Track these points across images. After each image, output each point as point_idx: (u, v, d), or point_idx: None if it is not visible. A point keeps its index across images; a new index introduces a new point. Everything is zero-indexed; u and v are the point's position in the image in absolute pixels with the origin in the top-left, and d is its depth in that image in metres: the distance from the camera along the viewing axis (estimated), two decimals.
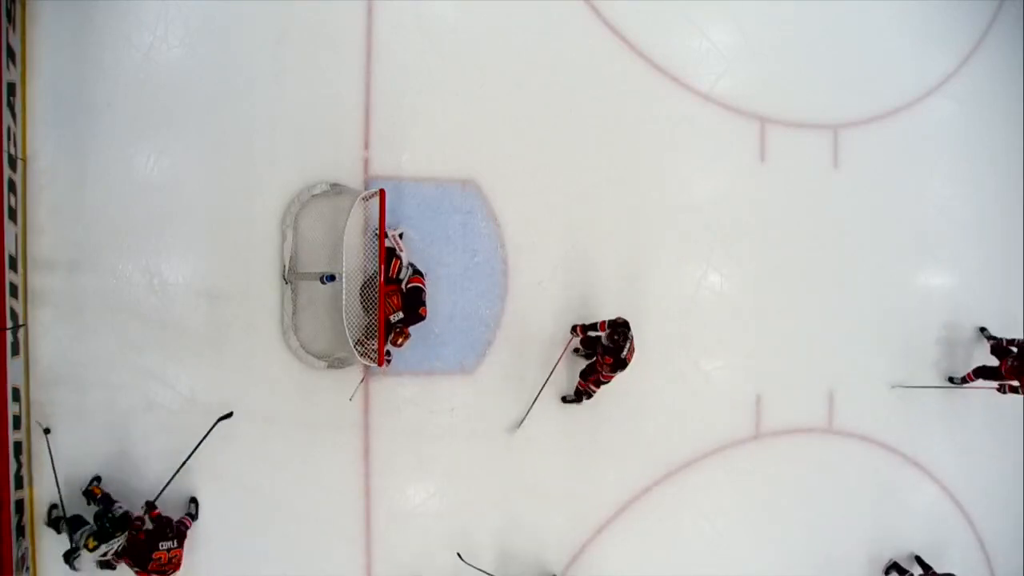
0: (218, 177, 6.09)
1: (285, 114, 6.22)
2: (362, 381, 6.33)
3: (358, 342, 5.96)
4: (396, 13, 6.44)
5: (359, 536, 6.47)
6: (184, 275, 6.06)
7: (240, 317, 6.17)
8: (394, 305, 5.92)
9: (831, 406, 7.66)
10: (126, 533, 5.28)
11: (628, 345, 6.14)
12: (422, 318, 6.02)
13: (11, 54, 5.48)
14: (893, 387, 7.61)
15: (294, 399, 6.28)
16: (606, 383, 6.45)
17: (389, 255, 5.97)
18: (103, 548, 5.26)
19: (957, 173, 8.00)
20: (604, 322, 6.24)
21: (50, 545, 5.82)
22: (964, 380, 7.70)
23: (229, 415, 5.68)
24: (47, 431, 5.61)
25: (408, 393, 6.57)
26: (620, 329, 6.09)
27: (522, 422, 6.70)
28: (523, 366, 6.76)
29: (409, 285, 6.01)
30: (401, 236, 6.35)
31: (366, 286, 6.08)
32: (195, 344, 6.09)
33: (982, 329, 7.84)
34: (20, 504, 5.52)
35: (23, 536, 5.56)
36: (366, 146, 6.42)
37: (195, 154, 6.05)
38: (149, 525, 5.32)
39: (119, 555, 5.33)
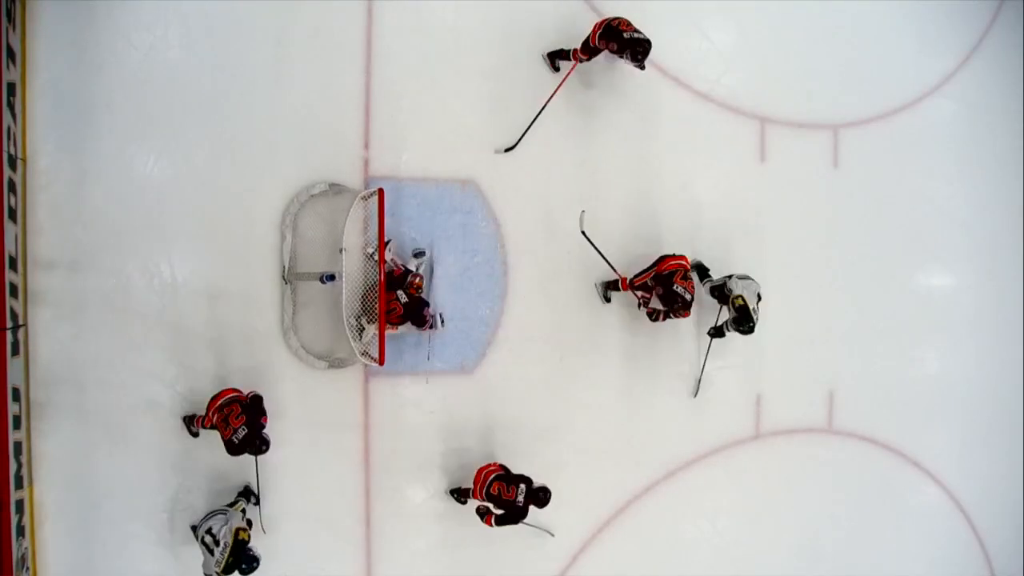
0: (218, 177, 6.09)
1: (285, 114, 6.22)
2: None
3: (356, 323, 6.02)
4: (396, 13, 6.44)
5: (359, 536, 6.47)
6: (184, 275, 6.05)
7: (240, 317, 6.17)
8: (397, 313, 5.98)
9: (831, 406, 7.66)
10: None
11: None
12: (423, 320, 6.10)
13: (11, 54, 5.47)
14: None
15: (294, 399, 6.28)
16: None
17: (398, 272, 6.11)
18: None
19: (957, 173, 8.00)
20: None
21: (50, 545, 5.84)
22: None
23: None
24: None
25: (408, 393, 6.57)
26: None
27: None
28: (523, 366, 6.77)
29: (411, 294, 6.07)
30: (388, 245, 6.20)
31: (368, 295, 6.07)
32: (195, 344, 6.08)
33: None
34: (20, 504, 5.51)
35: (23, 536, 5.56)
36: (366, 146, 6.42)
37: (195, 154, 6.04)
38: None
39: None
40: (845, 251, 7.66)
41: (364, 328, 6.08)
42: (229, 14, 6.11)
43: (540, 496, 5.88)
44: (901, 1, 7.73)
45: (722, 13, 7.27)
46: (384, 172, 6.43)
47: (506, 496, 5.88)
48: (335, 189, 6.27)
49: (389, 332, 5.98)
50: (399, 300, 5.99)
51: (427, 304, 6.18)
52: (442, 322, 6.55)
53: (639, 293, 6.47)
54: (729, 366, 7.31)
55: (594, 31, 6.26)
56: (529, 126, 6.58)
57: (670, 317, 6.47)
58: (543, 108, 6.54)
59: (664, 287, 6.24)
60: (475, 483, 6.09)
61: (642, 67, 6.32)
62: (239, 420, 5.45)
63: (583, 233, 6.31)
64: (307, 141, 6.26)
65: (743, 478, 7.37)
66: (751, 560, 7.41)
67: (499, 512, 5.98)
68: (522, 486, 5.88)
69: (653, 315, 6.54)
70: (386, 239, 6.04)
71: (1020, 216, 8.19)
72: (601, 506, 7.02)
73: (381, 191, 5.86)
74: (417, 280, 6.14)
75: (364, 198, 6.05)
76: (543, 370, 6.83)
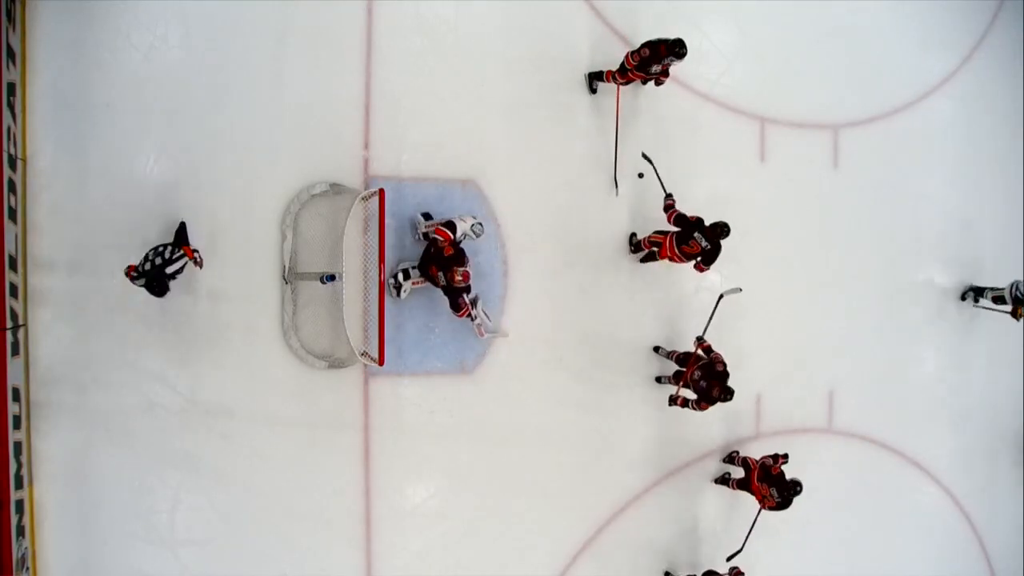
0: (218, 177, 6.09)
1: (285, 114, 6.22)
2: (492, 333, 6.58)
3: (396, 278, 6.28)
4: (396, 13, 6.44)
5: (359, 536, 6.47)
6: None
7: (240, 317, 6.17)
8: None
9: (831, 406, 7.66)
10: None
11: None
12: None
13: (11, 54, 5.48)
14: None
15: (294, 399, 6.28)
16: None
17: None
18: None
19: (957, 173, 8.00)
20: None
21: (50, 545, 5.84)
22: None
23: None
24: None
25: (408, 393, 6.57)
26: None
27: None
28: (523, 366, 6.77)
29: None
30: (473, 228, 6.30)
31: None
32: (195, 344, 6.09)
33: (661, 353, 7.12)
34: (20, 504, 5.52)
35: (23, 536, 5.57)
36: (366, 146, 6.42)
37: (195, 154, 6.05)
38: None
39: None
40: (845, 251, 7.66)
41: (409, 276, 6.28)
42: (229, 14, 6.11)
43: (719, 232, 6.18)
44: (901, 1, 7.73)
45: (722, 13, 7.28)
46: (384, 172, 6.43)
47: (694, 250, 6.29)
48: (335, 189, 6.27)
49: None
50: (440, 280, 6.09)
51: (462, 294, 6.09)
52: (487, 316, 6.50)
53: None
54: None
55: (629, 59, 6.31)
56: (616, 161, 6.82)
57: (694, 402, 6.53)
58: (616, 140, 6.73)
59: (707, 379, 6.34)
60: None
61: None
62: None
63: (721, 295, 6.44)
64: (307, 141, 6.26)
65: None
66: (751, 560, 7.40)
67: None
68: (698, 234, 6.21)
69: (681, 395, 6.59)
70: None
71: (1020, 216, 8.19)
72: (601, 506, 7.02)
73: (382, 191, 5.86)
74: (458, 276, 5.95)
75: (365, 198, 6.05)
76: (543, 370, 6.83)
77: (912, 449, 7.91)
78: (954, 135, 7.97)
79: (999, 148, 8.11)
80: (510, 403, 6.76)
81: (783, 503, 6.61)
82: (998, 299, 7.75)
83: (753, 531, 7.14)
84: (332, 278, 5.99)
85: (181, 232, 5.88)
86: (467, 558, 6.67)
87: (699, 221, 6.23)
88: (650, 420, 7.11)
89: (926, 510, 7.99)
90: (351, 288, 6.02)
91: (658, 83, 6.60)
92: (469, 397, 6.68)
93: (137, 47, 5.96)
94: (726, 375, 6.33)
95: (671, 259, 6.48)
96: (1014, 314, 7.55)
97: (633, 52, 6.27)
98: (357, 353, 6.01)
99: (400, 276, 6.33)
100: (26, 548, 5.63)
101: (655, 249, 6.64)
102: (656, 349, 7.07)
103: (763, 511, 6.76)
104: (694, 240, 6.23)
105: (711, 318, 6.42)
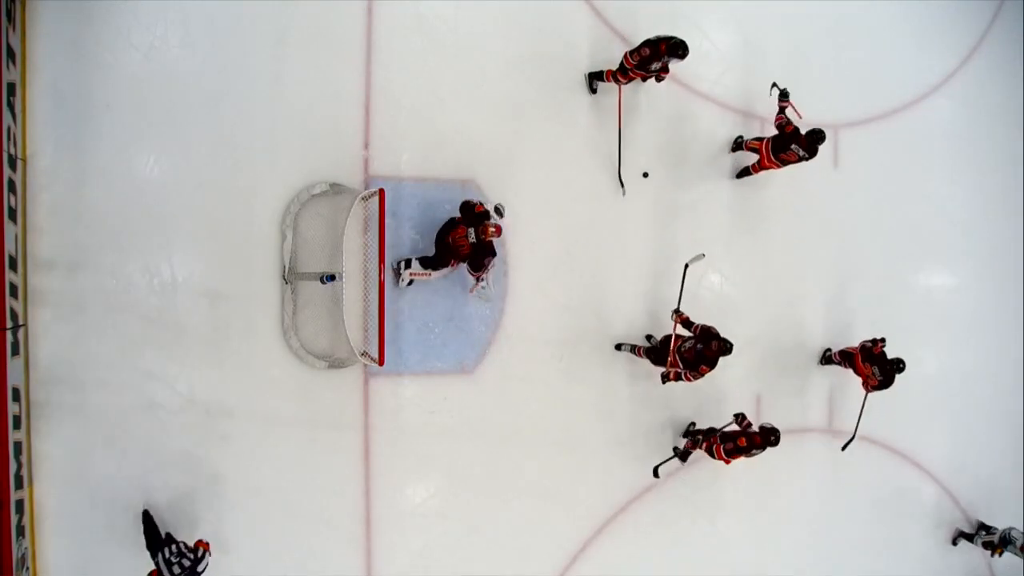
0: (218, 177, 6.09)
1: (285, 114, 6.22)
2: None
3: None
4: (396, 13, 6.44)
5: (359, 536, 6.47)
6: (184, 275, 6.06)
7: (240, 317, 6.17)
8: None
9: (831, 406, 7.66)
10: None
11: None
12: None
13: (11, 54, 5.47)
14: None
15: (294, 399, 6.28)
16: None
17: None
18: None
19: (957, 173, 8.01)
20: None
21: (50, 545, 5.84)
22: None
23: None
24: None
25: (408, 393, 6.57)
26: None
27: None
28: (523, 366, 6.77)
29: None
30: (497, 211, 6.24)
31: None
32: (195, 344, 6.08)
33: (648, 337, 7.07)
34: (20, 504, 5.52)
35: (23, 536, 5.57)
36: (366, 146, 6.42)
37: (195, 154, 6.04)
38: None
39: None
40: (845, 251, 7.66)
41: (409, 265, 6.28)
42: (229, 14, 6.11)
43: (815, 139, 6.51)
44: (901, 1, 7.74)
45: (722, 13, 7.28)
46: (384, 172, 6.44)
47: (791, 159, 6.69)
48: (335, 189, 6.27)
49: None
50: (467, 239, 6.01)
51: (492, 254, 6.12)
52: (491, 286, 6.43)
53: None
54: (729, 366, 7.28)
55: (629, 58, 6.31)
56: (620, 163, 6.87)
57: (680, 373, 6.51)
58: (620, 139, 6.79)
59: (703, 341, 6.31)
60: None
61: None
62: None
63: (686, 265, 6.42)
64: (307, 141, 6.26)
65: (743, 478, 7.36)
66: (751, 560, 7.41)
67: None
68: (795, 146, 6.53)
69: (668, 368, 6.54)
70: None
71: (1020, 216, 8.19)
72: (601, 506, 7.02)
73: (382, 191, 5.86)
74: (492, 229, 5.95)
75: (365, 198, 6.05)
76: (543, 370, 6.83)
77: (912, 449, 7.91)
78: (954, 135, 7.98)
79: (999, 148, 8.12)
80: (510, 403, 6.76)
81: (886, 381, 6.87)
82: (988, 544, 7.85)
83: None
84: (332, 278, 5.98)
85: (169, 537, 5.67)
86: (467, 558, 6.67)
87: (795, 132, 6.57)
88: (650, 420, 7.12)
89: (926, 510, 8.00)
90: (351, 288, 6.02)
91: (659, 79, 6.60)
92: (469, 397, 6.69)
93: (137, 47, 5.96)
94: (718, 333, 6.32)
95: (767, 167, 6.91)
96: (993, 553, 7.80)
97: (633, 51, 6.28)
98: (357, 353, 6.01)
99: (401, 265, 6.34)
100: (26, 548, 5.63)
101: (750, 165, 7.04)
102: (648, 338, 7.04)
103: (869, 394, 7.03)
104: (791, 151, 6.57)
105: (682, 289, 6.41)
